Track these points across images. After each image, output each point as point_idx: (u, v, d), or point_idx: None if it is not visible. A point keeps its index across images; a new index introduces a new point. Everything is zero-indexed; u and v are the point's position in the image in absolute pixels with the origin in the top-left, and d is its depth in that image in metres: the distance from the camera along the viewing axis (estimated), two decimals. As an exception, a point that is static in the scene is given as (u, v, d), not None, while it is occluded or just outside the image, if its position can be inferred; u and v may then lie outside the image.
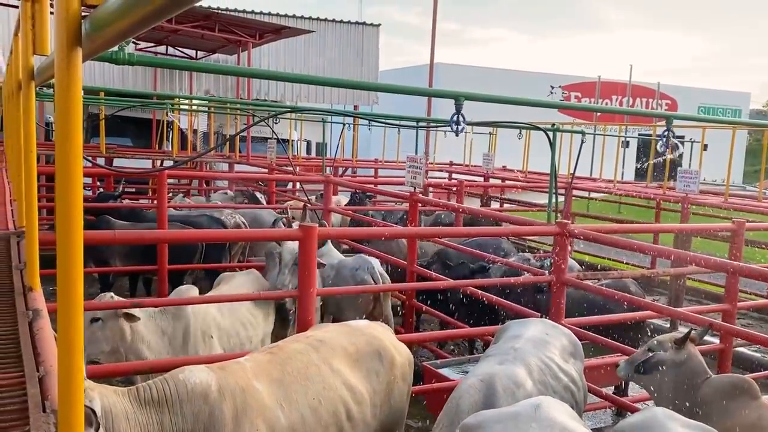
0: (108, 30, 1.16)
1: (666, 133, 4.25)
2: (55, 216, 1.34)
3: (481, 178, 14.92)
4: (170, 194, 10.71)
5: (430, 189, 13.53)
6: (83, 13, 1.29)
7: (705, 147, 13.01)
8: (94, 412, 2.45)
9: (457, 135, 3.64)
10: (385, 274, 6.58)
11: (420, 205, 7.98)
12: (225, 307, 4.92)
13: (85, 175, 13.12)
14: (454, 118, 3.40)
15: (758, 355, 7.40)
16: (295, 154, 18.07)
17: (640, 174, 26.92)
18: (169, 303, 4.75)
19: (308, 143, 21.31)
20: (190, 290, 4.81)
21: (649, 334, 6.51)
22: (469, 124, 3.83)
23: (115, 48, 2.39)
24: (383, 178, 15.52)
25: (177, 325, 4.60)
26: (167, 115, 13.78)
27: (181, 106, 15.29)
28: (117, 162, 13.85)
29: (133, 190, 12.99)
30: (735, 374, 4.33)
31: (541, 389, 3.29)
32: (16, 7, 3.64)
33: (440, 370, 5.39)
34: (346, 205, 11.06)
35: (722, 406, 3.53)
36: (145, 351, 4.48)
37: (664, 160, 11.66)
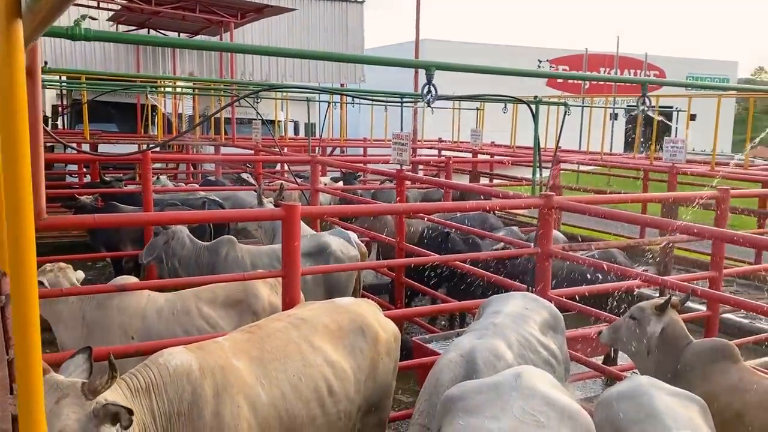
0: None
1: (642, 99, 4.25)
2: (5, 203, 1.30)
3: (470, 155, 14.88)
4: (155, 177, 10.62)
5: (420, 166, 13.48)
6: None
7: (693, 117, 12.98)
8: (130, 410, 2.46)
9: (428, 106, 3.59)
10: (362, 244, 6.82)
11: (408, 182, 7.96)
12: (172, 311, 4.47)
13: (70, 161, 13.04)
14: (425, 90, 3.36)
15: (746, 321, 7.44)
16: (282, 135, 17.94)
17: (629, 145, 26.92)
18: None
19: (296, 123, 21.14)
20: (128, 279, 4.51)
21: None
22: (443, 98, 3.77)
23: (71, 23, 2.34)
24: (372, 156, 15.46)
25: (99, 315, 4.38)
26: (146, 97, 13.61)
27: (165, 89, 15.11)
28: (102, 148, 13.73)
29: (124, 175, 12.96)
30: (715, 338, 4.36)
31: (520, 362, 3.29)
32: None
33: (429, 345, 5.42)
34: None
35: (703, 370, 3.54)
36: (61, 330, 4.37)
37: (652, 120, 11.54)
